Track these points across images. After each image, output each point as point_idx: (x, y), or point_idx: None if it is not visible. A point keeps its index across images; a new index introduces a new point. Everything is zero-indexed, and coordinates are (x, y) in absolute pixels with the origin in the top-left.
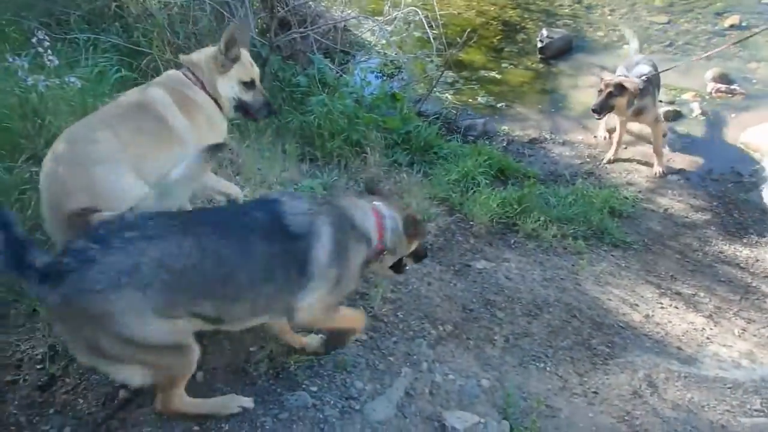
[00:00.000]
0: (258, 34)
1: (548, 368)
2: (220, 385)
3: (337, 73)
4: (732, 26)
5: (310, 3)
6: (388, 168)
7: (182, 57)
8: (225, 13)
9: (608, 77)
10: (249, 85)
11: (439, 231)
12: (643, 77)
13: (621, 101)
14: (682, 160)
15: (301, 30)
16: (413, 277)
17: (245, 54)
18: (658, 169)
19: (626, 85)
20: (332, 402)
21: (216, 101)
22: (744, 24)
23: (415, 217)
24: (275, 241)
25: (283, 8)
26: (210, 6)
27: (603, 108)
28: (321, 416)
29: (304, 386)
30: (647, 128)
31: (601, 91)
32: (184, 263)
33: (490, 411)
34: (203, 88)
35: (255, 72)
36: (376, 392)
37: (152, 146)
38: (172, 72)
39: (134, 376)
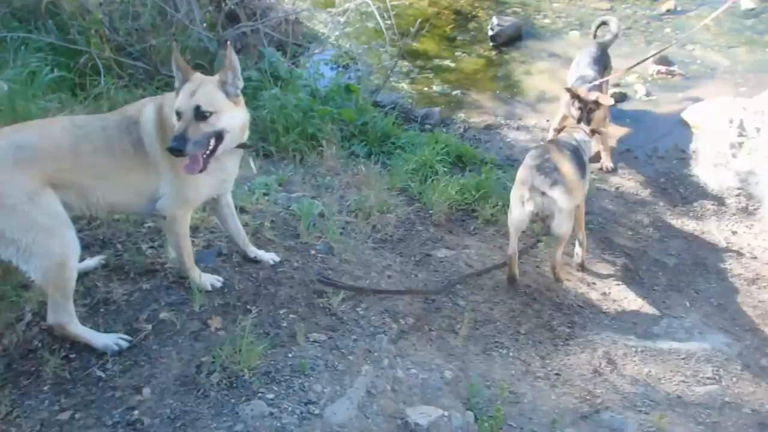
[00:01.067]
0: (205, 29)
1: (511, 353)
2: (171, 401)
3: (290, 66)
4: (668, 11)
5: None
6: (345, 160)
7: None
8: (168, 8)
9: (582, 92)
10: None
11: (399, 222)
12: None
13: (598, 114)
14: (629, 139)
15: (251, 23)
16: (373, 271)
17: None
18: (606, 164)
19: (602, 101)
20: (290, 408)
21: None
22: (678, 8)
23: None
24: None
25: (232, 1)
26: (152, 1)
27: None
28: (279, 425)
29: (259, 394)
30: None
31: (575, 104)
32: None
33: (454, 403)
34: None
35: None
36: (336, 394)
37: None
38: None
39: None
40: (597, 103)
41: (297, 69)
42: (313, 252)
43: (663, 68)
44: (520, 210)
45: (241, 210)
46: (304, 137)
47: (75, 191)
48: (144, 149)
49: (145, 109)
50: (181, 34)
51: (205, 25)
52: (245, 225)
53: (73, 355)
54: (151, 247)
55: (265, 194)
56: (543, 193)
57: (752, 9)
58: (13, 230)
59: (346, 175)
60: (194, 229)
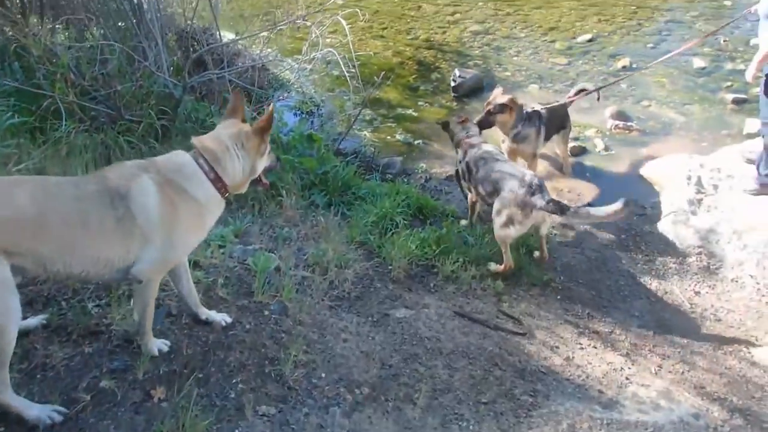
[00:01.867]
0: (172, 75)
1: (471, 426)
2: None
3: (254, 112)
4: (624, 67)
5: (228, 43)
6: (305, 211)
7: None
8: (135, 55)
9: (497, 92)
10: None
11: (357, 278)
12: (532, 109)
13: (502, 118)
14: (589, 194)
15: (217, 71)
16: (328, 334)
17: None
18: None
19: (506, 102)
20: None
21: None
22: (633, 65)
23: None
24: None
25: (200, 48)
26: (119, 47)
27: (484, 123)
28: None
29: None
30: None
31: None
32: None
33: None
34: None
35: None
36: None
37: None
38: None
39: None
40: (502, 105)
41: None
42: (266, 312)
43: (620, 123)
44: (518, 227)
45: (195, 265)
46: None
47: (32, 260)
48: (133, 222)
49: (140, 183)
50: (147, 80)
51: (171, 70)
52: (197, 282)
53: (1, 429)
54: (97, 306)
55: (220, 247)
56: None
57: (703, 68)
58: None
59: (304, 226)
60: None
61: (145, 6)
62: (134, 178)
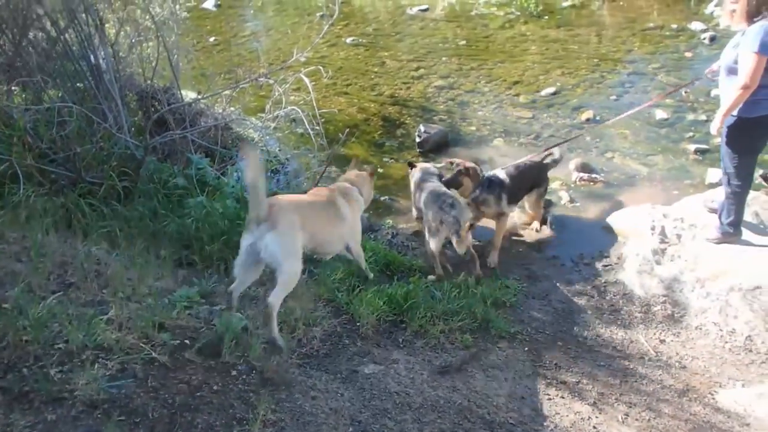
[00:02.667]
0: (132, 136)
1: None
2: None
3: (218, 172)
4: (588, 120)
5: (190, 102)
6: None
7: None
8: (94, 117)
9: (459, 160)
10: None
11: (325, 335)
12: (490, 176)
13: (466, 180)
14: (556, 246)
15: (179, 131)
16: (297, 393)
17: None
18: (492, 259)
19: (468, 166)
20: None
21: None
22: (597, 117)
23: None
24: None
25: (161, 108)
26: (78, 109)
27: (451, 183)
28: None
29: None
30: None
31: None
32: None
33: None
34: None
35: None
36: None
37: None
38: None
39: None
40: (465, 168)
41: (223, 177)
42: (234, 373)
43: (585, 175)
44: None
45: (160, 327)
46: (230, 246)
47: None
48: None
49: (339, 199)
50: (107, 141)
51: (132, 130)
52: (163, 344)
53: None
54: (60, 371)
55: (187, 308)
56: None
57: (666, 119)
58: None
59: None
60: (108, 350)
61: (104, 67)
62: (335, 197)
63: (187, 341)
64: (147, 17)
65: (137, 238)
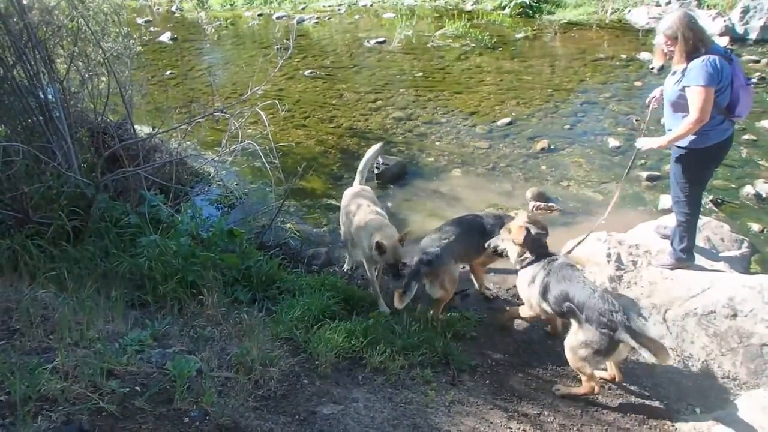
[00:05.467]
0: (83, 174)
1: None
2: None
3: (172, 209)
4: (543, 149)
5: (143, 138)
6: (227, 308)
7: None
8: (42, 156)
9: None
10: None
11: (282, 375)
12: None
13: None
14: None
15: (132, 168)
16: None
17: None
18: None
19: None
20: None
21: None
22: (552, 147)
23: None
24: None
25: (114, 144)
26: (25, 148)
27: None
28: None
29: None
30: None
31: None
32: None
33: None
34: None
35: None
36: None
37: None
38: None
39: None
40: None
41: (177, 215)
42: (186, 420)
43: (542, 204)
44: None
45: (108, 374)
46: (184, 285)
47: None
48: None
49: None
50: (56, 180)
51: (83, 167)
52: (112, 392)
53: None
54: (1, 426)
55: (138, 352)
56: None
57: (618, 147)
58: None
59: (227, 324)
60: (52, 401)
61: (53, 103)
62: None
63: (137, 388)
64: (99, 52)
65: (87, 280)
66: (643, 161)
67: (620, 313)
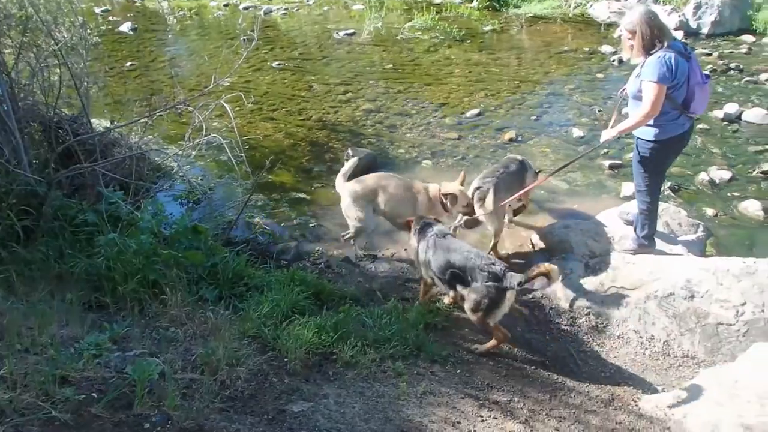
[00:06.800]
0: (35, 171)
1: None
2: None
3: (133, 206)
4: (510, 140)
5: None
6: (192, 308)
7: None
8: None
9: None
10: None
11: (250, 374)
12: None
13: None
14: None
15: (88, 164)
16: None
17: None
18: None
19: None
20: None
21: None
22: (519, 138)
23: None
24: None
25: (69, 139)
26: None
27: None
28: None
29: None
30: None
31: None
32: None
33: None
34: None
35: None
36: None
37: None
38: None
39: None
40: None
41: (137, 212)
42: (147, 425)
43: None
44: None
45: (63, 381)
46: (146, 285)
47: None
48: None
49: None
50: (4, 178)
51: (35, 164)
52: (66, 400)
53: None
54: None
55: (95, 356)
56: None
57: (582, 137)
58: None
59: (192, 324)
60: (0, 413)
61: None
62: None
63: (94, 394)
64: (51, 42)
65: (39, 282)
66: (606, 150)
67: (498, 264)
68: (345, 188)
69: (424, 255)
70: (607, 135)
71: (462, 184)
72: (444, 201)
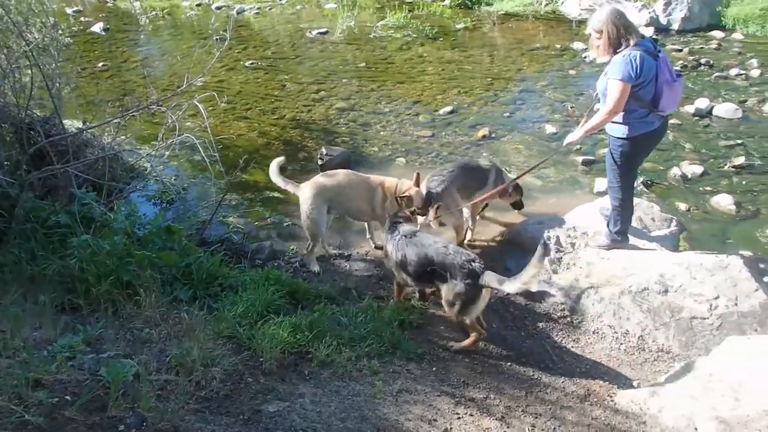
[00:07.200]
0: (6, 172)
1: None
2: None
3: (106, 207)
4: (484, 137)
5: (72, 134)
6: (166, 309)
7: None
8: None
9: None
10: None
11: (225, 375)
12: None
13: None
14: None
15: (60, 166)
16: None
17: None
18: None
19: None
20: None
21: None
22: (493, 135)
23: None
24: None
25: (40, 141)
26: None
27: None
28: None
29: None
30: None
31: None
32: None
33: None
34: None
35: None
36: None
37: None
38: None
39: None
40: None
41: (109, 213)
42: (122, 427)
43: None
44: None
45: (36, 383)
46: (119, 286)
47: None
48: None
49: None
50: None
51: (7, 164)
52: (40, 404)
53: None
54: None
55: (68, 359)
56: None
57: (555, 133)
58: None
59: (166, 325)
60: None
61: None
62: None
63: (68, 397)
64: (22, 43)
65: (11, 285)
66: (578, 146)
67: (476, 261)
68: (299, 190)
69: (395, 255)
70: (571, 138)
71: (417, 185)
72: (400, 202)
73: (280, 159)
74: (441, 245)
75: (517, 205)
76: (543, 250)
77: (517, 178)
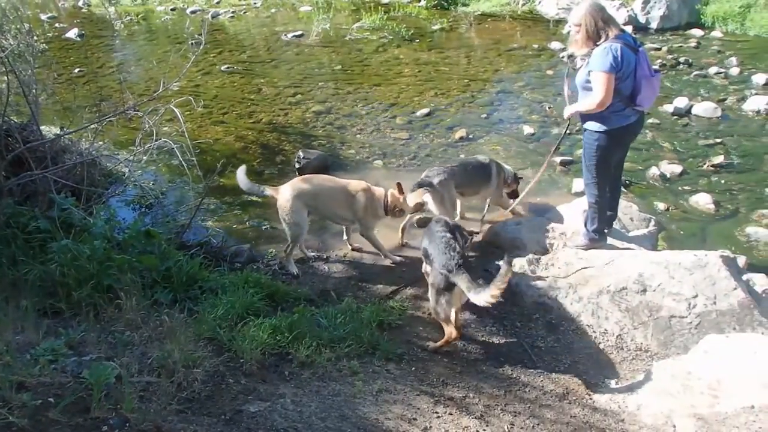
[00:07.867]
0: None
1: None
2: None
3: (85, 212)
4: (461, 138)
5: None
6: (147, 312)
7: None
8: None
9: None
10: None
11: (207, 376)
12: None
13: None
14: None
15: (39, 171)
16: None
17: None
18: None
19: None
20: None
21: None
22: (470, 136)
23: None
24: None
25: (18, 147)
26: None
27: None
28: None
29: None
30: None
31: None
32: None
33: None
34: None
35: None
36: None
37: None
38: None
39: None
40: None
41: (89, 218)
42: (105, 429)
43: None
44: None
45: (19, 387)
46: (100, 290)
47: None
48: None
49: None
50: None
51: None
52: (23, 406)
53: None
54: None
55: (51, 362)
56: None
57: (533, 134)
58: None
59: (148, 328)
60: None
61: None
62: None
63: (51, 399)
64: None
65: None
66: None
67: (454, 259)
68: (278, 192)
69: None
70: (569, 109)
71: (401, 193)
72: (395, 207)
73: (242, 167)
74: (441, 237)
75: (514, 194)
76: (507, 267)
77: (532, 184)
